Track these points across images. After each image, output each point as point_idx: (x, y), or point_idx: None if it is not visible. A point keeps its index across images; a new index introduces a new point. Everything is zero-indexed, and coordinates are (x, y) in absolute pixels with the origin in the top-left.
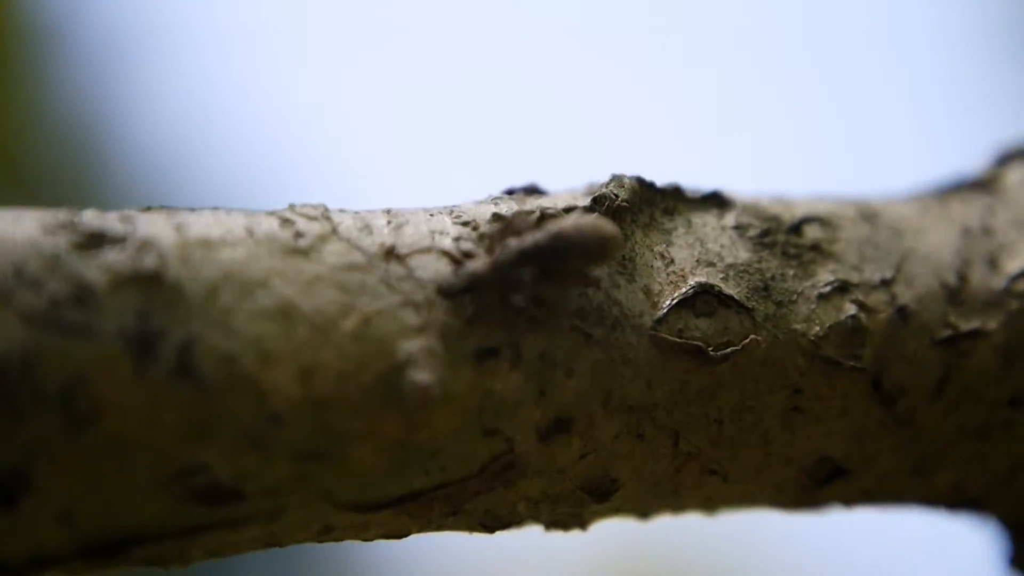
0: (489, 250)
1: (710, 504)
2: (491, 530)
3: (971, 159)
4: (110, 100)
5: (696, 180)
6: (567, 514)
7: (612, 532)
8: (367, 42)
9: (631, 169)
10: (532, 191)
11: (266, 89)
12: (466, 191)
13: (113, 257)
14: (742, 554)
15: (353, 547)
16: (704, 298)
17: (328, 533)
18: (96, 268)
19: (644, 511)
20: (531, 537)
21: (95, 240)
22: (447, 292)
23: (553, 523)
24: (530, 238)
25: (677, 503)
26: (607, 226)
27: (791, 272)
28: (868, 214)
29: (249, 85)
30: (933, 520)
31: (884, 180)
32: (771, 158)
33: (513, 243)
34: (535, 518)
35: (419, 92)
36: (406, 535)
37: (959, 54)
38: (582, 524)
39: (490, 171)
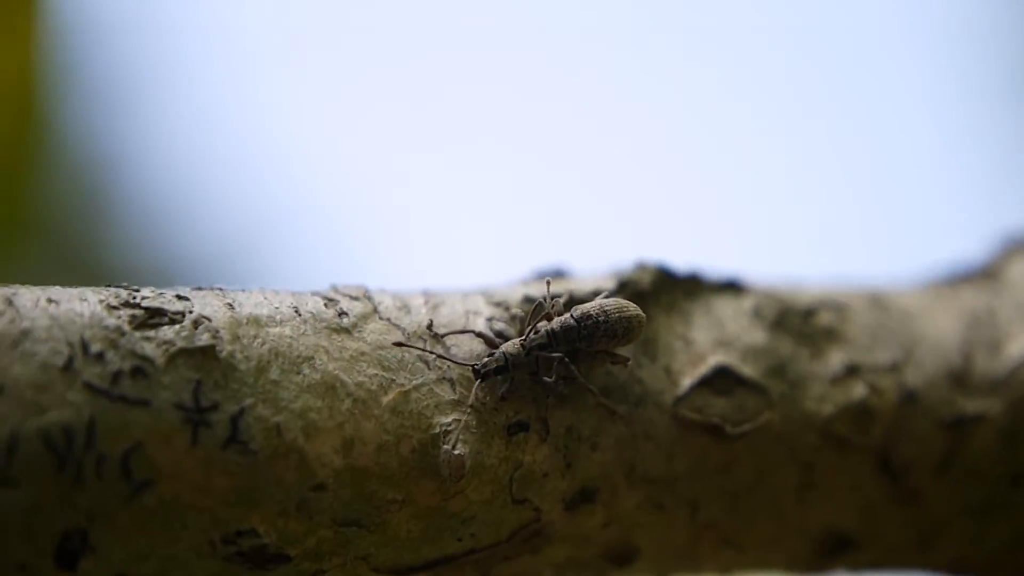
0: (520, 332)
1: (726, 572)
2: None
3: (978, 245)
4: (122, 144)
5: (714, 261)
6: None
7: None
8: (391, 107)
9: (649, 249)
10: (559, 273)
11: (282, 139)
12: (489, 268)
13: (171, 334)
14: None
15: None
16: (722, 378)
17: None
18: (155, 344)
19: None
20: None
21: (154, 317)
22: (482, 373)
23: None
24: (558, 322)
25: (695, 570)
26: (631, 307)
27: (805, 354)
28: (878, 300)
29: (265, 133)
30: None
31: (892, 265)
32: (791, 239)
33: (543, 326)
34: None
35: (438, 164)
36: None
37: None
38: None
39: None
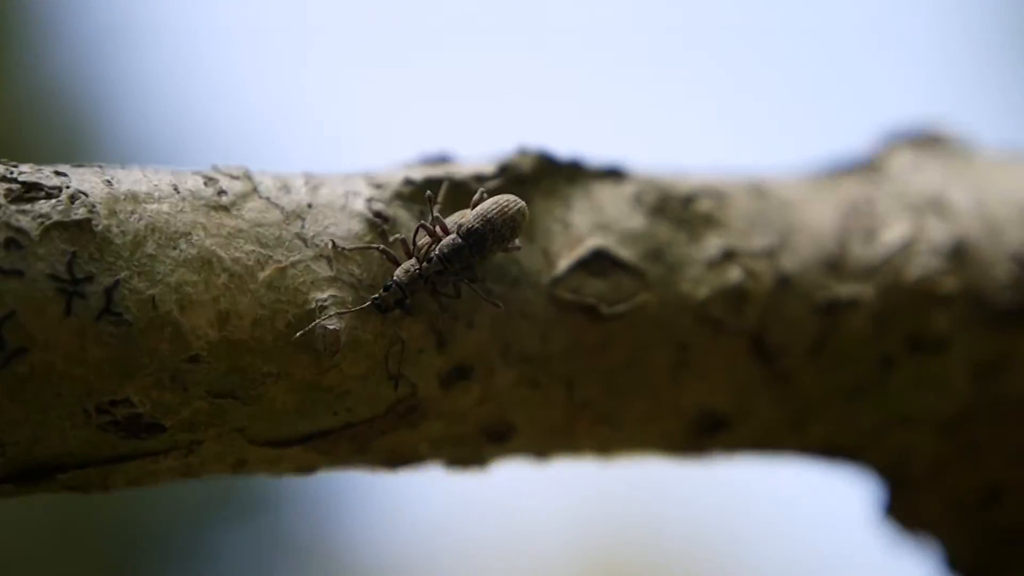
0: (406, 246)
1: (602, 450)
2: (395, 467)
3: (862, 140)
4: (102, 79)
5: (601, 150)
6: (467, 455)
7: (603, 531)
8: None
9: (536, 137)
10: (443, 159)
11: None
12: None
13: (47, 207)
14: (729, 553)
15: (345, 542)
16: (599, 260)
17: (242, 467)
18: (30, 216)
19: (540, 454)
20: (524, 536)
21: (31, 191)
22: (382, 308)
23: (454, 462)
24: (447, 244)
25: (571, 448)
26: (511, 203)
27: (683, 239)
28: (759, 188)
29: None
30: None
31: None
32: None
33: (434, 252)
34: (437, 458)
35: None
36: (315, 471)
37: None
38: (481, 464)
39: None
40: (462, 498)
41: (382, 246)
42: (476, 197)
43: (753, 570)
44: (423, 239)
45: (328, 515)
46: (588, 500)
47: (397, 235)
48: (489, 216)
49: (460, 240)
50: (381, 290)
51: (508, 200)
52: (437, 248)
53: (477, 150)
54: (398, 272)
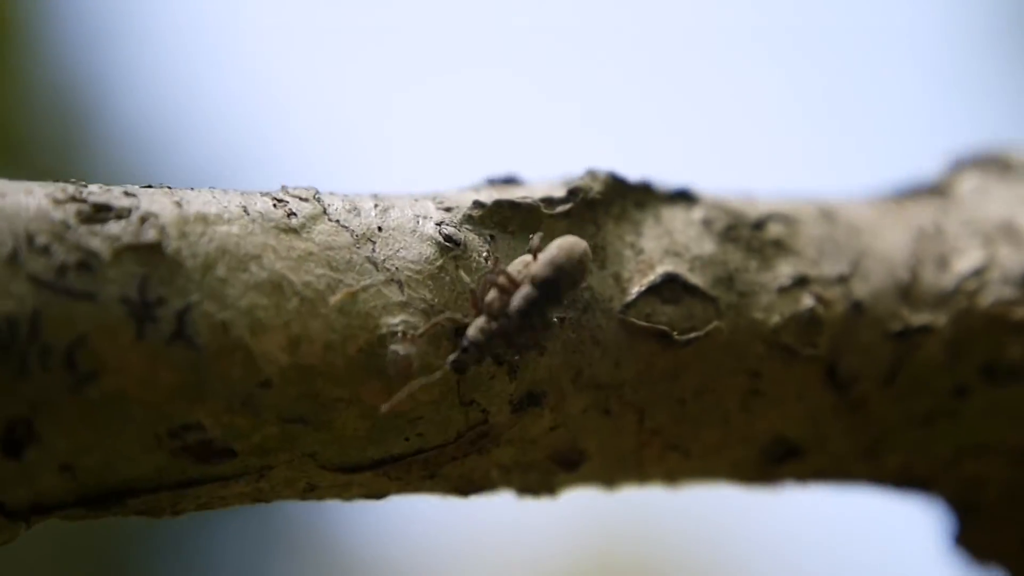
0: (473, 294)
1: (672, 478)
2: (465, 494)
3: (929, 164)
4: (103, 70)
5: (667, 174)
6: (537, 482)
7: (601, 527)
8: (361, 27)
9: (602, 160)
10: (510, 180)
11: (259, 66)
12: (448, 182)
13: (117, 229)
14: (727, 553)
15: (342, 535)
16: (671, 286)
17: (312, 491)
18: (101, 238)
19: (610, 482)
20: (521, 531)
21: (100, 212)
22: (461, 370)
23: (524, 489)
24: (520, 298)
25: (641, 476)
26: (574, 247)
27: (754, 265)
28: (828, 213)
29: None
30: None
31: (845, 182)
32: (745, 154)
33: (511, 307)
34: (507, 484)
35: (406, 83)
36: (385, 496)
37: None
38: (551, 491)
39: (472, 163)
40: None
41: (402, 354)
42: (533, 242)
43: (752, 568)
44: (491, 295)
45: (325, 508)
46: (586, 496)
47: (444, 321)
48: (558, 262)
49: (534, 292)
50: (458, 351)
51: (572, 243)
52: (512, 303)
53: (530, 171)
54: (471, 332)
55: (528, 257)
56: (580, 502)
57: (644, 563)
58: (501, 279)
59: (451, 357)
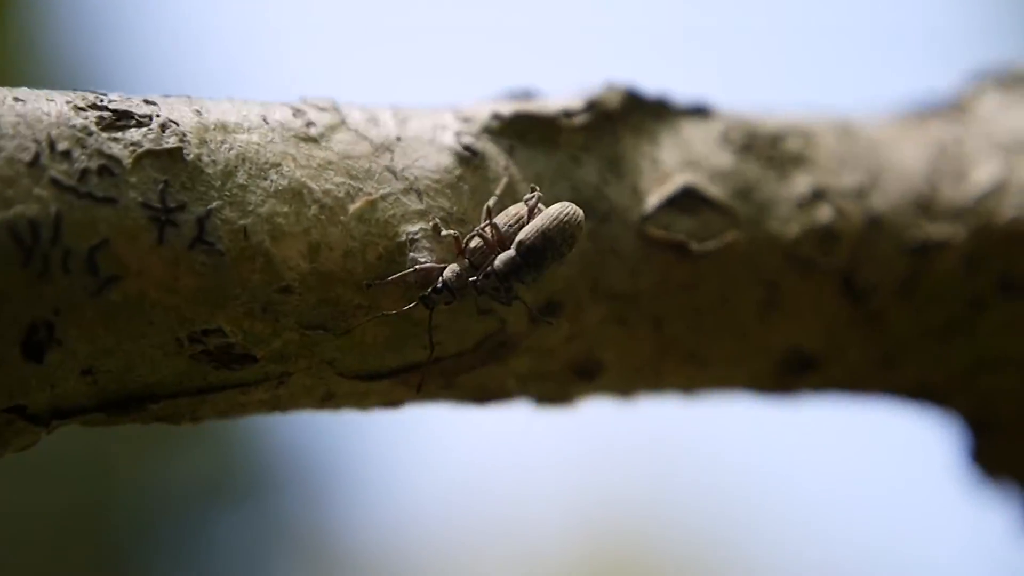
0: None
1: (689, 388)
2: (482, 403)
3: (949, 80)
4: (102, 28)
5: (685, 88)
6: (554, 391)
7: (598, 531)
8: None
9: (619, 74)
10: (528, 94)
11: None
12: (462, 93)
13: (138, 135)
14: (725, 552)
15: (340, 529)
16: (688, 197)
17: (330, 400)
18: (122, 144)
19: (627, 392)
20: (521, 524)
21: (121, 119)
22: (429, 306)
23: (541, 398)
24: (502, 260)
25: (658, 385)
26: (569, 215)
27: (772, 177)
28: (846, 127)
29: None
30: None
31: (863, 97)
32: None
33: (490, 268)
34: (524, 393)
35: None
36: (401, 404)
37: None
38: (568, 401)
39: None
40: (458, 486)
41: (416, 266)
42: (529, 198)
43: (751, 564)
44: (475, 241)
45: (323, 502)
46: (586, 490)
47: (450, 232)
48: (548, 233)
49: (518, 258)
50: (430, 289)
51: (567, 213)
52: (495, 263)
53: (552, 86)
54: (447, 275)
55: (522, 208)
56: (579, 502)
57: (644, 563)
58: (488, 230)
59: (423, 293)
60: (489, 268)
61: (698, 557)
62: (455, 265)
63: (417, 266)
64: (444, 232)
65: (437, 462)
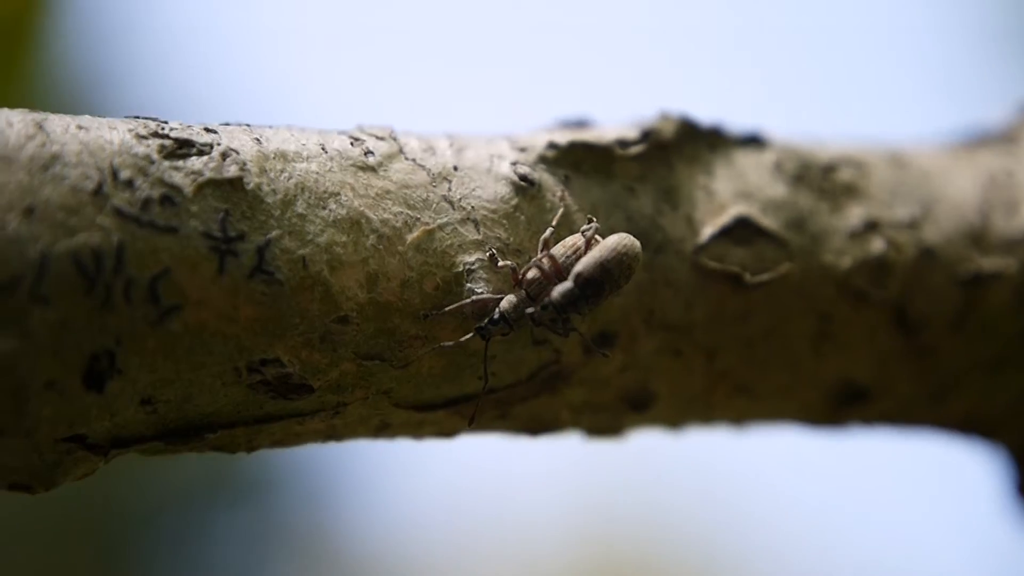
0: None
1: (739, 419)
2: (535, 434)
3: (998, 110)
4: (113, 55)
5: (738, 118)
6: (607, 422)
7: (593, 534)
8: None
9: (673, 104)
10: (582, 123)
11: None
12: (516, 122)
13: (199, 164)
14: (719, 558)
15: (338, 529)
16: (742, 228)
17: (385, 430)
18: (183, 173)
19: (677, 424)
20: (518, 525)
21: (183, 147)
22: (486, 337)
23: (593, 430)
24: (560, 292)
25: (709, 417)
26: (627, 247)
27: (825, 208)
28: (898, 158)
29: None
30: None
31: (911, 128)
32: (815, 98)
33: (547, 298)
34: (577, 425)
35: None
36: (456, 435)
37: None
38: (619, 432)
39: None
40: (455, 488)
41: (472, 297)
42: (587, 229)
43: (745, 570)
44: (532, 272)
45: (321, 502)
46: (583, 491)
47: (507, 263)
48: (607, 265)
49: (576, 290)
50: (487, 320)
51: (625, 245)
52: (552, 295)
53: (602, 118)
54: (505, 305)
55: (579, 240)
56: (578, 502)
57: (643, 563)
58: (545, 261)
59: (480, 324)
60: (547, 299)
61: (693, 562)
62: (512, 296)
63: (474, 297)
64: (501, 263)
65: (435, 464)
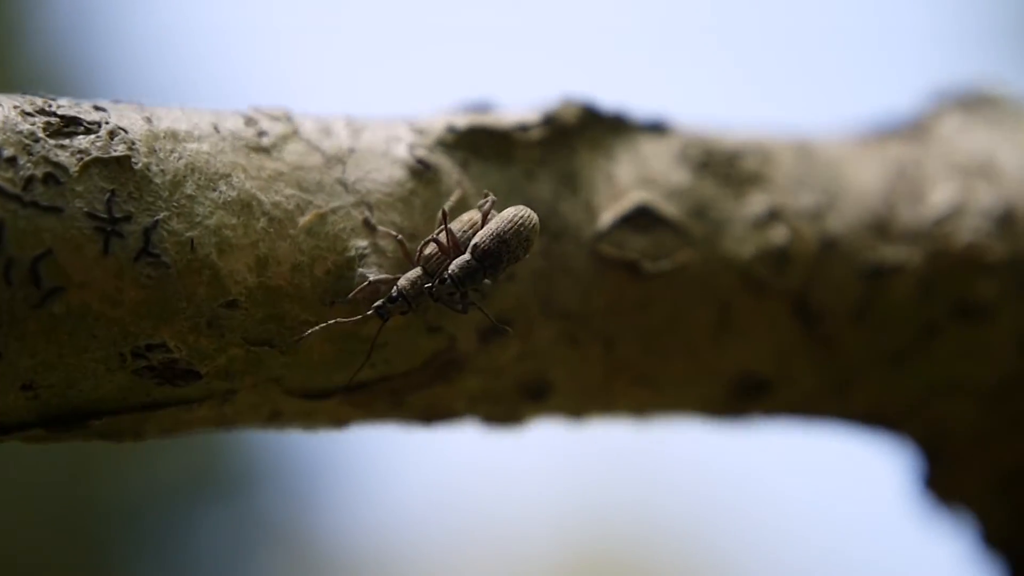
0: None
1: (640, 411)
2: (430, 423)
3: (909, 101)
4: (92, 29)
5: (643, 104)
6: (503, 412)
7: (587, 535)
8: None
9: (577, 89)
10: (485, 107)
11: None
12: (421, 107)
13: (86, 142)
14: (717, 546)
15: (323, 525)
16: (643, 216)
17: (276, 418)
18: (69, 152)
19: (577, 414)
20: (506, 522)
21: (70, 125)
22: (384, 316)
23: (490, 419)
24: (458, 265)
25: (609, 408)
26: (524, 218)
27: (728, 197)
28: (805, 147)
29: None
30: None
31: (824, 116)
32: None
33: (446, 272)
34: (473, 414)
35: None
36: (349, 424)
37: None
38: (517, 421)
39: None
40: (443, 486)
41: (371, 279)
42: (483, 203)
43: (737, 567)
44: (430, 247)
45: (306, 497)
46: (573, 490)
47: (394, 234)
48: (505, 236)
49: (474, 262)
50: (384, 299)
51: (522, 217)
52: (449, 268)
53: (510, 101)
54: (402, 283)
55: (476, 215)
56: (576, 502)
57: (639, 563)
58: (443, 236)
59: (378, 302)
60: (445, 273)
61: (685, 560)
62: (410, 273)
63: (372, 277)
64: (381, 229)
65: (422, 461)
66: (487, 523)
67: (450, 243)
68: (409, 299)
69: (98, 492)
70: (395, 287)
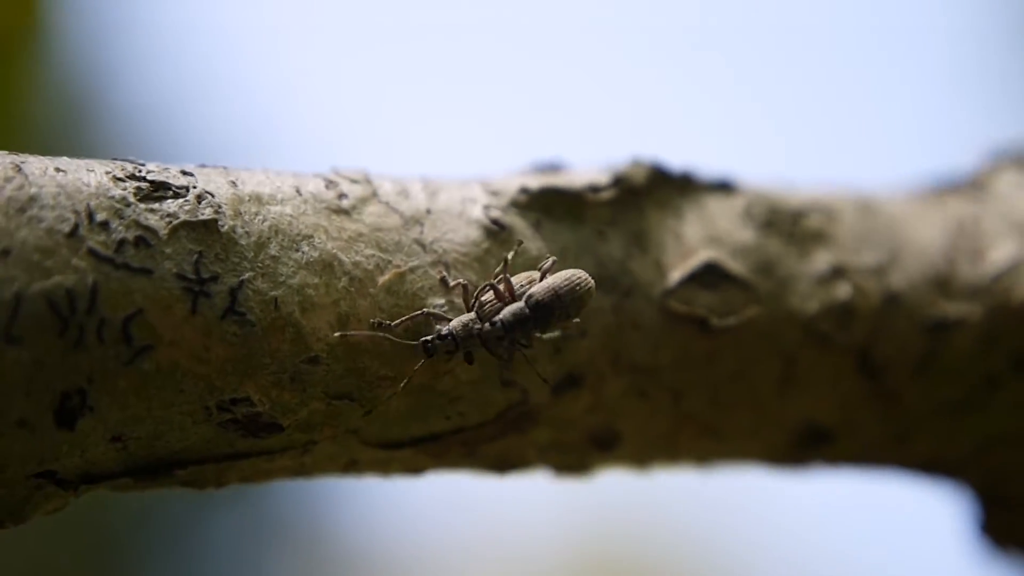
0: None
1: (704, 460)
2: (502, 472)
3: (967, 157)
4: (110, 62)
5: (708, 163)
6: (573, 462)
7: (589, 534)
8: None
9: (645, 149)
10: (555, 167)
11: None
12: (490, 165)
13: (174, 207)
14: (724, 554)
15: (334, 528)
16: (711, 273)
17: (353, 467)
18: (159, 215)
19: (642, 463)
20: (514, 525)
21: (159, 190)
22: (430, 352)
23: (559, 468)
24: (510, 312)
25: (673, 458)
26: (581, 280)
27: (792, 254)
28: (866, 204)
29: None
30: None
31: (882, 172)
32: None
33: (498, 317)
34: (543, 463)
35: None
36: (424, 472)
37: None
38: (585, 471)
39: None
40: (452, 488)
41: (426, 311)
42: (544, 264)
43: (749, 568)
44: (487, 295)
45: (317, 501)
46: (580, 493)
47: (459, 280)
48: (560, 292)
49: (526, 311)
50: (435, 335)
51: (579, 277)
52: (502, 314)
53: (576, 159)
54: (454, 324)
55: (535, 273)
56: (576, 502)
57: (640, 563)
58: (501, 285)
59: (426, 337)
60: (496, 318)
61: (688, 562)
62: (464, 316)
63: (426, 310)
64: (452, 283)
65: None
66: (494, 523)
67: (507, 291)
68: (458, 339)
69: (108, 494)
70: (447, 327)
